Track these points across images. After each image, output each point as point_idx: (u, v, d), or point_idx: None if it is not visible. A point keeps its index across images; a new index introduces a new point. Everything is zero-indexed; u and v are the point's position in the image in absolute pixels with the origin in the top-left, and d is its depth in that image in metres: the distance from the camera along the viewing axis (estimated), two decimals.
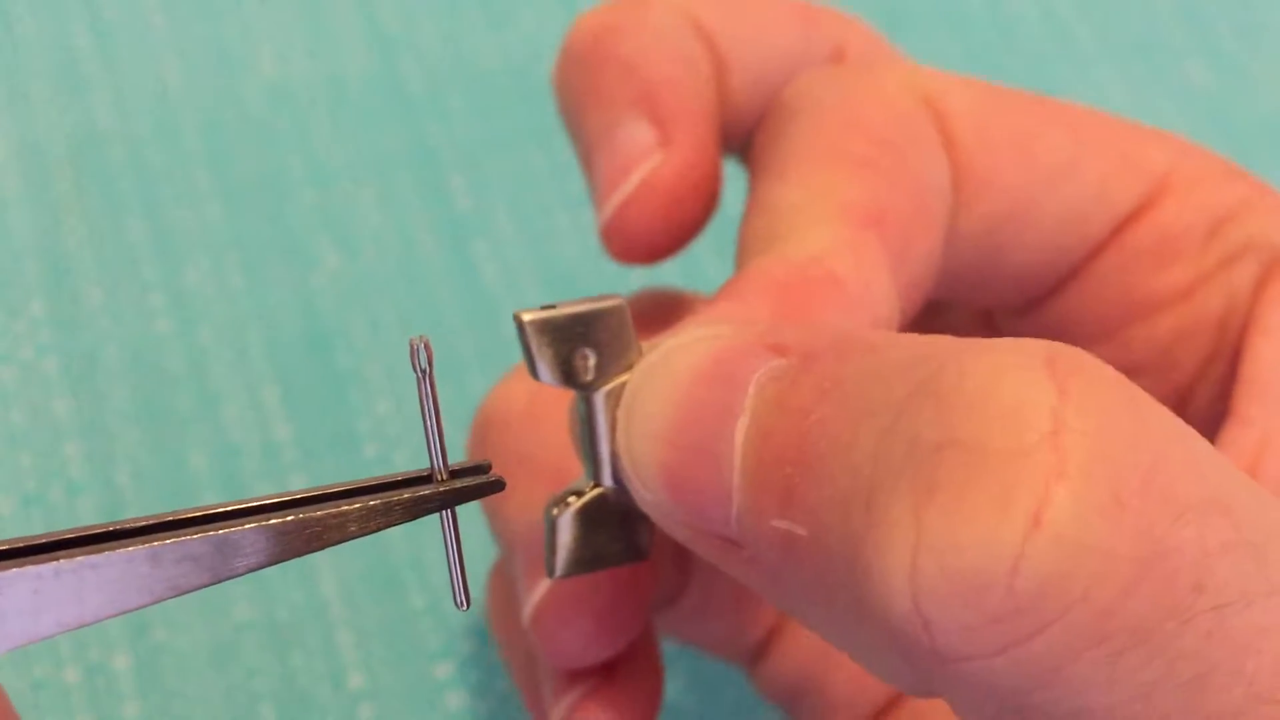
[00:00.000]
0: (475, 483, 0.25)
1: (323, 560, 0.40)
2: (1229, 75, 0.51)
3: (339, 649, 0.39)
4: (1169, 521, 0.21)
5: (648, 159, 0.31)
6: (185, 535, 0.24)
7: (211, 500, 0.41)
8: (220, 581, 0.24)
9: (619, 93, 0.31)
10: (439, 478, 0.25)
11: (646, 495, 0.26)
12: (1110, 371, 0.22)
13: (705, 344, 0.25)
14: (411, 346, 0.25)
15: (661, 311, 0.33)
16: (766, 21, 0.33)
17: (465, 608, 0.26)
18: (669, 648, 0.38)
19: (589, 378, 0.27)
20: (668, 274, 0.43)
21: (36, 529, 0.40)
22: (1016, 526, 0.20)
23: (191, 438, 0.42)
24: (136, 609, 0.23)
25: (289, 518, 0.24)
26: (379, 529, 0.25)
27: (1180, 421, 0.22)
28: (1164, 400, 0.31)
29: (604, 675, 0.30)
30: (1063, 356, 0.22)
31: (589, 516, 0.28)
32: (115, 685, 0.38)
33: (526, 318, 0.26)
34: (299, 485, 0.41)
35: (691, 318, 0.27)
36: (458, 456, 0.27)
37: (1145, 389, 0.31)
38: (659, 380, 0.26)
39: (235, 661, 0.39)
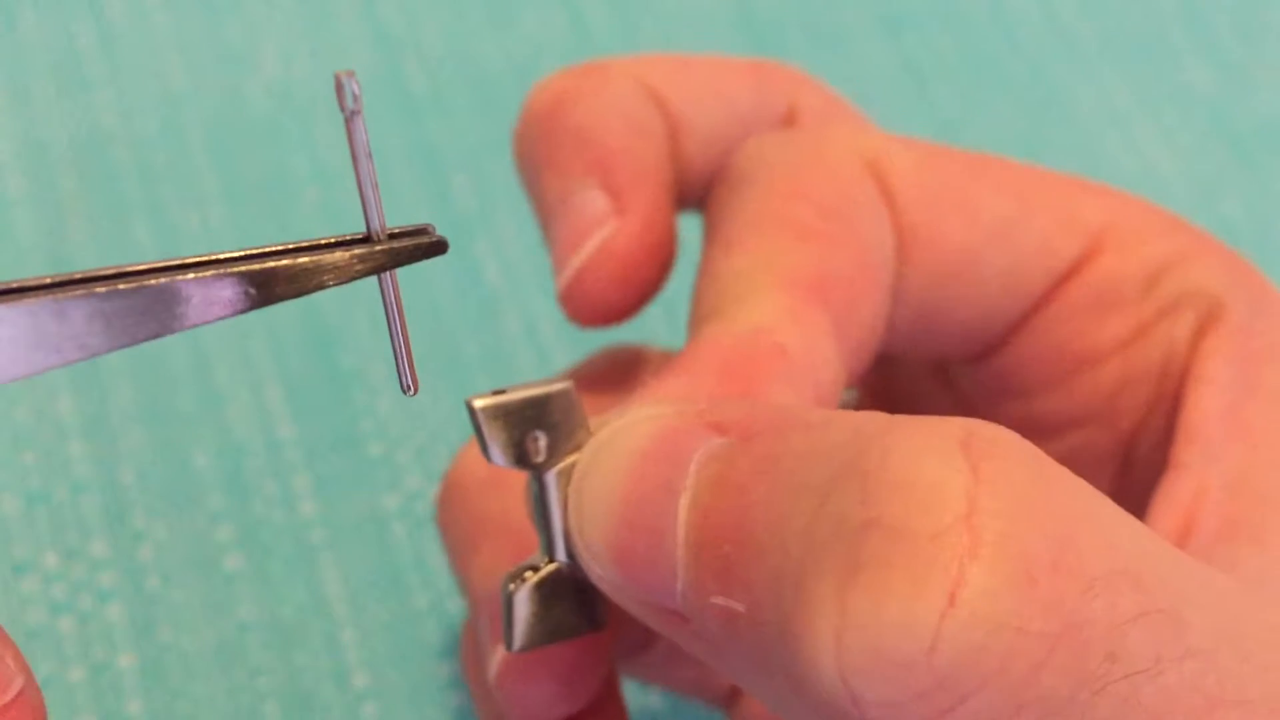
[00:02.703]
0: (417, 243, 0.24)
1: (327, 560, 0.40)
2: (1229, 75, 0.51)
3: (343, 648, 0.39)
4: (1079, 594, 0.22)
5: (602, 226, 0.32)
6: (96, 289, 0.22)
7: (217, 501, 0.41)
8: (133, 345, 0.22)
9: (574, 160, 0.32)
10: (377, 238, 0.23)
11: (598, 571, 0.27)
12: (1023, 449, 0.23)
13: (649, 424, 0.26)
14: (338, 82, 0.22)
15: (618, 371, 0.34)
16: (719, 83, 0.34)
17: (413, 392, 0.24)
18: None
19: (540, 459, 0.27)
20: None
21: (41, 528, 0.40)
22: (934, 605, 0.22)
23: (195, 437, 0.42)
24: (42, 371, 0.22)
25: (209, 274, 0.22)
26: (311, 291, 0.23)
27: (1092, 491, 0.24)
28: (1109, 450, 0.32)
29: None
30: (977, 437, 0.23)
31: (546, 591, 0.28)
32: (119, 684, 0.38)
33: (478, 404, 0.27)
34: (304, 487, 0.41)
35: (640, 393, 0.28)
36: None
37: (1091, 438, 0.32)
38: (606, 461, 0.26)
39: (239, 661, 0.39)
